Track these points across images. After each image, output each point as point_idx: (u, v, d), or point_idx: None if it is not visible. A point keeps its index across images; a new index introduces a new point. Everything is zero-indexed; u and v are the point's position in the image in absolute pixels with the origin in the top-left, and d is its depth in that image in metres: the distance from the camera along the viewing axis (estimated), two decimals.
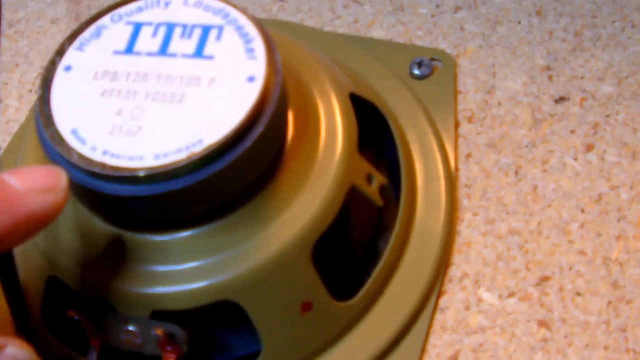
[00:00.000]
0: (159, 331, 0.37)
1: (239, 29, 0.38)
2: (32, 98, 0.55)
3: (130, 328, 0.38)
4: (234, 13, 0.39)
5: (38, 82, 0.55)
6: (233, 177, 0.36)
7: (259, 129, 0.36)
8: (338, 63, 0.47)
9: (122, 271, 0.38)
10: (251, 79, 0.36)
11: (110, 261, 0.38)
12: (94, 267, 0.38)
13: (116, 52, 0.38)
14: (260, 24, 0.38)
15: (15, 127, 0.53)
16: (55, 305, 0.41)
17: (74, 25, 0.56)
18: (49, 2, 0.61)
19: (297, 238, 0.38)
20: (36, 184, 0.32)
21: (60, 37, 0.58)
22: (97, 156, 0.35)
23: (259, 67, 0.36)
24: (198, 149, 0.34)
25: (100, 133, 0.36)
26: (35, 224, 0.32)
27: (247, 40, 0.37)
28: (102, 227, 0.38)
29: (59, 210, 0.32)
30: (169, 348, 0.38)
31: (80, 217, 0.39)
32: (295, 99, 0.39)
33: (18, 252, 0.34)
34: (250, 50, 0.37)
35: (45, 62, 0.56)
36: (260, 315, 0.38)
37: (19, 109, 0.54)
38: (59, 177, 0.33)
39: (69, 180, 0.33)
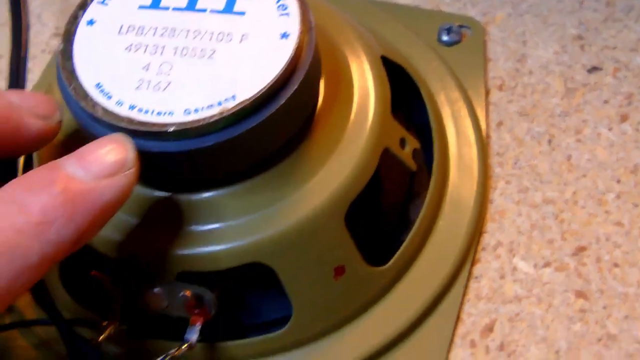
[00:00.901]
0: (187, 292, 0.35)
1: None
2: (46, 58, 0.53)
3: (156, 290, 0.36)
4: None
5: (52, 43, 0.54)
6: (266, 135, 0.34)
7: (293, 86, 0.34)
8: (366, 27, 0.45)
9: (148, 231, 0.36)
10: (285, 36, 0.35)
11: (135, 221, 0.36)
12: (118, 227, 0.37)
13: (142, 7, 0.37)
14: None
15: (29, 87, 0.51)
16: (76, 266, 0.40)
17: None
18: None
19: (330, 200, 0.37)
20: (103, 169, 0.30)
21: None
22: (123, 111, 0.34)
23: (292, 23, 0.35)
24: (231, 104, 0.33)
25: (126, 88, 0.34)
26: (110, 213, 0.31)
27: None
28: None
29: (131, 190, 0.31)
30: (196, 311, 0.36)
31: None
32: (327, 61, 0.38)
33: None
34: (282, 7, 0.36)
35: (59, 22, 0.55)
36: (292, 279, 0.37)
37: (32, 69, 0.53)
38: (125, 151, 0.31)
39: (136, 149, 0.32)
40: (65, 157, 0.31)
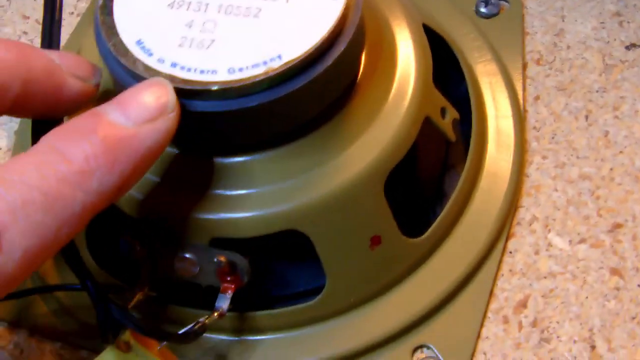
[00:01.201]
0: (222, 258, 0.35)
1: None
2: (74, 21, 0.52)
3: (187, 255, 0.36)
4: None
5: (80, 5, 0.53)
6: (310, 97, 0.34)
7: (340, 47, 0.34)
8: None
9: (181, 194, 0.36)
10: None
11: (169, 183, 0.36)
12: (150, 189, 0.36)
13: None
14: None
15: None
16: (103, 232, 0.39)
17: None
18: None
19: (371, 168, 0.36)
20: (144, 114, 0.30)
21: None
22: (165, 68, 0.33)
23: None
24: (277, 64, 0.32)
25: (168, 45, 0.34)
26: (152, 159, 0.30)
27: None
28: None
29: (172, 134, 0.31)
30: (228, 278, 0.36)
31: None
32: (370, 25, 0.37)
33: None
34: None
35: None
36: (327, 247, 0.36)
37: None
38: (165, 95, 0.31)
39: (174, 92, 0.31)
40: (106, 103, 0.30)
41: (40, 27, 0.47)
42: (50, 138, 0.29)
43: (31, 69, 0.31)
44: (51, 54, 0.32)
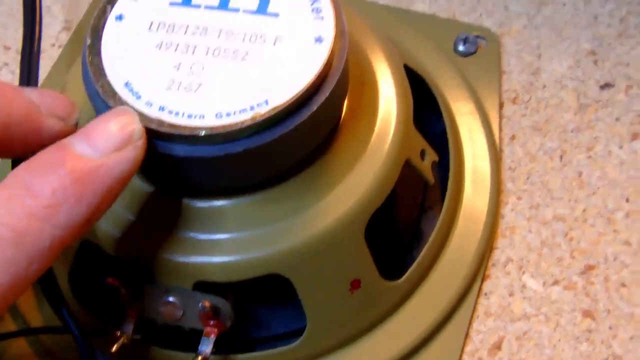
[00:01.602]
0: (206, 303, 0.35)
1: None
2: (55, 53, 0.52)
3: (171, 299, 0.36)
4: None
5: (62, 37, 0.53)
6: (296, 141, 0.34)
7: (325, 93, 0.34)
8: (385, 34, 0.45)
9: (166, 238, 0.36)
10: (319, 40, 0.34)
11: (154, 226, 0.36)
12: (135, 232, 0.36)
13: (173, 4, 0.36)
14: None
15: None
16: (86, 271, 0.39)
17: None
18: None
19: (352, 212, 0.36)
20: (111, 143, 0.30)
21: None
22: (153, 112, 0.33)
23: (326, 27, 0.35)
24: (263, 110, 0.33)
25: (156, 88, 0.34)
26: (120, 188, 0.30)
27: None
28: (147, 189, 0.36)
29: (139, 162, 0.31)
30: (211, 322, 0.36)
31: None
32: (353, 67, 0.38)
33: None
34: (316, 10, 0.35)
35: (69, 16, 0.54)
36: (309, 291, 0.37)
37: (40, 64, 0.52)
38: (132, 123, 0.31)
39: (139, 120, 0.31)
40: (71, 135, 0.30)
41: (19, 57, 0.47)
42: (18, 172, 0.29)
43: (11, 113, 0.31)
44: (31, 93, 0.32)
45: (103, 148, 0.29)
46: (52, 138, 0.32)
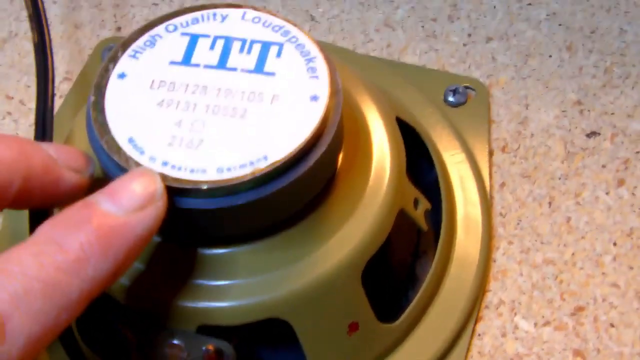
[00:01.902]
0: (210, 347, 0.36)
1: (300, 47, 0.38)
2: (57, 103, 0.54)
3: (176, 342, 0.37)
4: (294, 31, 0.39)
5: (63, 87, 0.55)
6: (294, 194, 0.36)
7: (322, 148, 0.36)
8: (377, 87, 0.47)
9: (171, 284, 0.37)
10: (314, 98, 0.36)
11: (159, 274, 0.38)
12: (141, 279, 0.38)
13: (172, 63, 0.38)
14: (319, 43, 0.38)
15: None
16: (93, 316, 0.40)
17: (100, 32, 0.56)
18: (72, 7, 0.60)
19: (349, 259, 0.38)
20: (134, 202, 0.32)
21: (85, 43, 0.58)
22: (156, 167, 0.34)
23: (322, 86, 0.37)
24: (263, 164, 0.34)
25: (159, 143, 0.35)
26: (143, 245, 0.32)
27: (308, 59, 0.37)
28: (155, 239, 0.38)
29: (161, 220, 0.32)
30: None
31: None
32: (347, 121, 0.39)
33: None
34: (312, 69, 0.37)
35: (69, 67, 0.56)
36: (309, 334, 0.38)
37: None
38: (153, 183, 0.33)
39: (162, 181, 0.33)
40: (97, 193, 0.32)
41: (23, 107, 0.49)
42: (46, 229, 0.30)
43: (31, 166, 0.33)
44: (48, 148, 0.34)
45: (127, 206, 0.31)
46: (69, 190, 0.34)
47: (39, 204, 0.34)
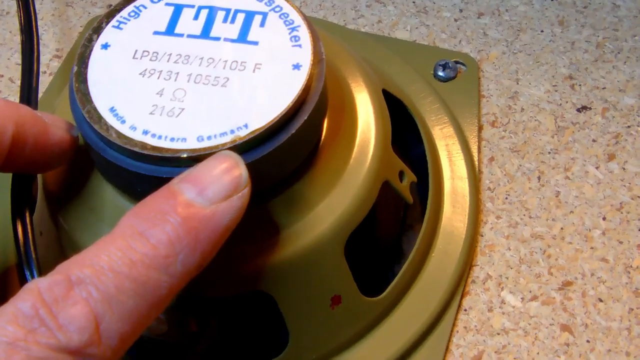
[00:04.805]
0: (190, 319, 0.36)
1: (283, 16, 0.38)
2: (46, 80, 0.54)
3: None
4: (278, 0, 0.38)
5: (53, 64, 0.55)
6: (275, 164, 0.35)
7: (303, 116, 0.35)
8: (367, 60, 0.46)
9: None
10: (297, 67, 0.36)
11: None
12: None
13: (156, 33, 0.38)
14: (302, 12, 0.38)
15: None
16: None
17: (91, 9, 0.56)
18: None
19: (331, 231, 0.37)
20: (220, 192, 0.31)
21: (76, 21, 0.57)
22: (137, 136, 0.34)
23: (304, 55, 0.36)
24: (243, 133, 0.34)
25: (140, 113, 0.35)
26: (228, 235, 0.31)
27: (291, 27, 0.37)
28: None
29: (245, 209, 0.31)
30: (195, 337, 0.37)
31: (108, 200, 0.38)
32: (332, 92, 0.39)
33: (42, 245, 0.33)
34: (295, 38, 0.37)
35: (60, 44, 0.55)
36: (290, 307, 0.38)
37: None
38: (238, 170, 0.32)
39: (246, 167, 0.32)
40: (178, 180, 0.31)
41: (12, 85, 0.49)
42: (131, 220, 0.30)
43: (21, 115, 0.33)
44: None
45: (212, 197, 0.30)
46: (57, 143, 0.34)
47: (32, 160, 0.34)
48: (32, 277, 0.34)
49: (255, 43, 0.37)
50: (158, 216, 0.29)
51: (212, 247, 0.30)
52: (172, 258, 0.29)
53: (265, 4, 0.38)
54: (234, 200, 0.31)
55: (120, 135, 0.34)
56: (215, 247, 0.30)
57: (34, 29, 0.42)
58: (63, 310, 0.27)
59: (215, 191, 0.30)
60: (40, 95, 0.51)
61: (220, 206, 0.30)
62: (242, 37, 0.37)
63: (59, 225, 0.39)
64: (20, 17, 0.43)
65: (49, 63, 0.55)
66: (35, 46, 0.41)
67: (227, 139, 0.34)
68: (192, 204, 0.30)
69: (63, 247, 0.39)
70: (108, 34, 0.38)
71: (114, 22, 0.38)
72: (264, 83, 0.35)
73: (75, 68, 0.36)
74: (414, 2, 0.56)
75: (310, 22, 0.37)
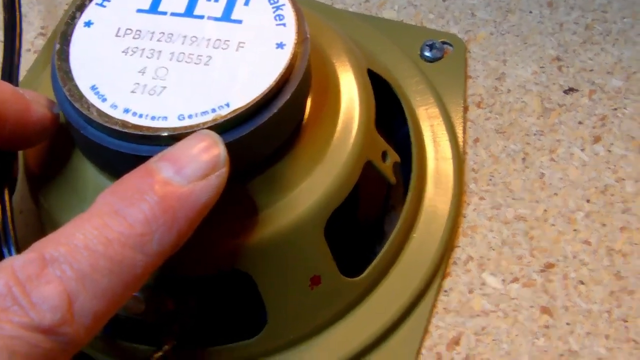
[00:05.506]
0: (168, 300, 0.36)
1: None
2: (31, 58, 0.54)
3: (135, 294, 0.37)
4: None
5: (37, 42, 0.55)
6: (257, 143, 0.35)
7: (286, 96, 0.35)
8: (351, 40, 0.46)
9: None
10: (280, 46, 0.36)
11: None
12: None
13: (140, 10, 0.37)
14: None
15: None
16: None
17: None
18: None
19: (312, 210, 0.38)
20: (198, 171, 0.31)
21: None
22: (117, 114, 0.34)
23: (288, 34, 0.36)
24: (225, 112, 0.34)
25: (121, 91, 0.35)
26: (205, 214, 0.31)
27: (276, 6, 0.37)
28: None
29: (223, 188, 0.31)
30: (173, 316, 0.37)
31: (89, 178, 0.38)
32: (316, 71, 0.39)
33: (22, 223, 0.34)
34: (279, 17, 0.37)
35: (45, 22, 0.55)
36: (269, 287, 0.38)
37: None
38: (218, 149, 0.32)
39: (224, 146, 0.32)
40: (156, 159, 0.31)
41: None
42: (108, 199, 0.30)
43: (1, 90, 0.33)
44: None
45: (190, 175, 0.30)
46: (39, 120, 0.34)
47: (13, 136, 0.34)
48: (10, 255, 0.34)
49: (239, 22, 0.37)
50: (135, 195, 0.29)
51: (188, 226, 0.30)
52: (148, 237, 0.29)
53: None
54: (212, 179, 0.31)
55: (100, 113, 0.34)
56: (192, 226, 0.30)
57: (17, 6, 0.42)
58: (36, 289, 0.27)
59: (193, 170, 0.31)
60: (24, 73, 0.51)
61: (198, 185, 0.30)
62: (226, 16, 0.37)
63: (40, 204, 0.39)
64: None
65: (33, 41, 0.55)
66: (18, 23, 0.41)
67: (209, 117, 0.34)
68: (170, 182, 0.30)
69: (43, 226, 0.39)
70: (91, 11, 0.38)
71: None
72: (246, 62, 0.35)
73: (58, 46, 0.36)
74: None
75: (295, 1, 0.37)
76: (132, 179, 0.30)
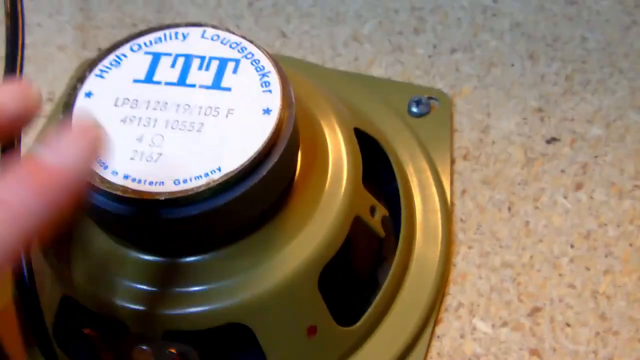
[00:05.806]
0: (173, 350, 0.38)
1: (255, 62, 0.40)
2: (40, 123, 0.56)
3: (144, 347, 0.39)
4: (250, 47, 0.40)
5: (46, 107, 0.57)
6: (248, 203, 0.37)
7: (274, 158, 0.37)
8: (340, 99, 0.49)
9: (135, 292, 0.39)
10: (267, 111, 0.38)
11: (124, 282, 0.39)
12: (107, 287, 0.39)
13: (136, 81, 0.40)
14: (274, 59, 0.40)
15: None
16: (67, 323, 0.42)
17: (81, 53, 0.58)
18: (55, 29, 0.62)
19: (305, 265, 0.40)
20: (72, 152, 0.32)
21: (67, 64, 0.60)
22: (118, 180, 0.36)
23: (274, 100, 0.38)
24: (217, 176, 0.36)
25: (121, 158, 0.37)
26: (83, 192, 0.32)
27: (262, 73, 0.39)
28: (117, 249, 0.40)
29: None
30: None
31: (94, 239, 0.40)
32: (305, 132, 0.41)
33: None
34: (265, 84, 0.39)
35: (52, 88, 0.57)
36: (268, 338, 0.40)
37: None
38: (93, 131, 0.33)
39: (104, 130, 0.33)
40: (39, 145, 0.32)
41: None
42: None
43: None
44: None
45: (65, 157, 0.32)
46: (12, 115, 0.35)
47: None
48: None
49: (229, 89, 0.39)
50: (14, 180, 0.31)
51: (64, 203, 0.31)
52: (24, 216, 0.30)
53: (238, 51, 0.40)
54: (88, 160, 0.32)
55: (103, 180, 0.37)
56: (69, 203, 0.31)
57: (19, 17, 0.44)
58: None
59: (69, 151, 0.32)
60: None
61: (73, 165, 0.32)
62: (216, 84, 0.39)
63: (50, 263, 0.41)
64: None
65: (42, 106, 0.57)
66: (20, 32, 0.43)
67: (202, 182, 0.36)
68: (46, 165, 0.31)
69: (54, 286, 0.41)
70: (91, 82, 0.40)
71: (96, 70, 0.40)
72: (236, 128, 0.38)
73: (61, 117, 0.39)
74: (389, 40, 0.58)
75: (280, 67, 0.40)
76: (15, 166, 0.31)
